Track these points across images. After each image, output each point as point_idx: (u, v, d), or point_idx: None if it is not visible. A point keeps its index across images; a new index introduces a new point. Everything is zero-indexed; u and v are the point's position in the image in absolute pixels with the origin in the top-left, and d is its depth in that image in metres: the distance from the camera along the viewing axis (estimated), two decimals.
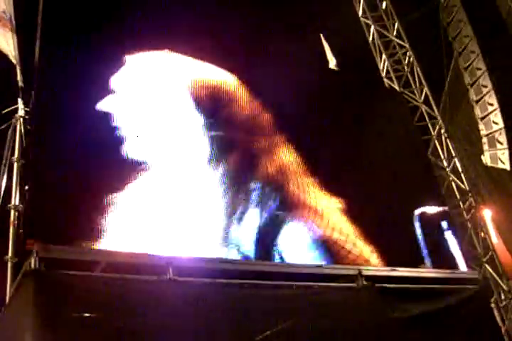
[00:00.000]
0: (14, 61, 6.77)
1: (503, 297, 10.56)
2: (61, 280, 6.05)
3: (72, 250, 6.20)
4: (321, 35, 11.83)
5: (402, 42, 12.95)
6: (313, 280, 7.89)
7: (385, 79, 12.82)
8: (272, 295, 7.52)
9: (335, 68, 11.29)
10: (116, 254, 6.48)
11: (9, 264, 6.11)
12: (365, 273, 8.46)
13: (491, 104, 12.65)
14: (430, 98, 12.51)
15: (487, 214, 12.08)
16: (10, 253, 6.13)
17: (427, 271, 9.55)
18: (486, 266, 10.94)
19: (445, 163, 12.09)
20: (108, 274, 6.40)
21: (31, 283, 5.87)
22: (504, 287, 10.69)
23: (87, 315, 6.80)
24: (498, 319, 10.35)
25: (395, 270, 8.88)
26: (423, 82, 12.59)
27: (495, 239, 11.89)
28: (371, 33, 13.10)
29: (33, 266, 5.81)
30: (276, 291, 7.61)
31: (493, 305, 10.48)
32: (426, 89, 12.52)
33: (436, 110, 12.45)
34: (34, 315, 5.75)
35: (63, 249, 6.12)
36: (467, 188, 11.81)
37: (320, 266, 8.00)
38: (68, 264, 6.19)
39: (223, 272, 7.11)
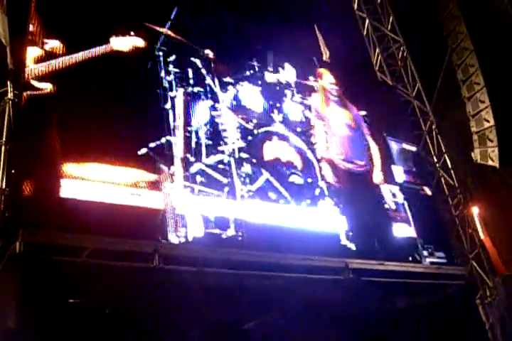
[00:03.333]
0: (4, 42, 6.69)
1: (488, 293, 10.60)
2: (46, 265, 5.99)
3: (58, 235, 6.12)
4: (316, 27, 11.76)
5: (396, 37, 12.93)
6: (300, 272, 7.87)
7: (378, 73, 12.81)
8: (259, 285, 7.50)
9: (328, 61, 11.25)
10: (102, 240, 6.41)
11: None
12: (351, 266, 8.45)
13: (483, 102, 12.65)
14: (422, 93, 12.52)
15: (475, 210, 12.09)
16: None
17: (413, 266, 9.54)
18: (473, 262, 10.97)
19: (435, 159, 12.11)
20: (94, 260, 6.34)
21: (16, 267, 5.81)
22: (489, 283, 10.73)
23: (71, 300, 6.77)
24: (482, 315, 10.39)
25: (382, 264, 8.87)
26: (416, 77, 12.59)
27: (482, 235, 11.92)
28: (365, 27, 13.07)
29: (17, 250, 5.74)
30: (264, 282, 7.60)
31: (478, 301, 10.53)
32: (418, 85, 12.53)
33: (428, 105, 12.46)
34: (18, 299, 5.70)
35: (49, 233, 6.05)
36: (456, 184, 11.84)
37: (307, 258, 7.96)
38: (54, 249, 6.12)
39: (210, 261, 7.07)
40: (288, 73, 9.90)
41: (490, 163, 12.54)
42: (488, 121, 12.47)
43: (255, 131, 8.79)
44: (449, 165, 12.04)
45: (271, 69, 9.77)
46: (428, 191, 11.29)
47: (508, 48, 12.59)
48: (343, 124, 9.63)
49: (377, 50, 12.94)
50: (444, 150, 12.13)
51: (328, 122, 9.45)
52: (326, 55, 11.47)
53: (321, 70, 10.01)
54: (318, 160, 9.33)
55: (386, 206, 9.98)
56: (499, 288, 10.64)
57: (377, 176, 9.89)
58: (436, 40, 13.37)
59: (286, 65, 9.94)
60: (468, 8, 12.83)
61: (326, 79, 9.63)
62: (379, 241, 9.31)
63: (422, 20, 13.36)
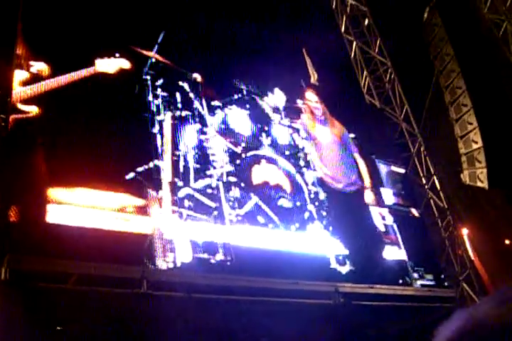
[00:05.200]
0: None
1: None
2: (32, 292, 5.90)
3: (45, 261, 6.03)
4: (304, 50, 11.81)
5: (383, 60, 13.01)
6: (290, 297, 7.80)
7: (366, 96, 12.86)
8: (248, 310, 7.42)
9: (316, 83, 11.28)
10: (89, 266, 6.32)
11: None
12: (341, 290, 8.38)
13: (471, 123, 12.71)
14: (410, 115, 12.56)
15: (464, 232, 12.10)
16: None
17: (403, 289, 9.48)
18: (463, 284, 10.92)
19: (424, 181, 12.11)
20: (81, 286, 6.25)
21: (1, 294, 5.72)
22: None
23: (58, 328, 6.66)
24: None
25: (372, 287, 8.80)
26: (404, 99, 12.64)
27: (472, 257, 11.91)
28: (353, 50, 13.15)
29: (3, 277, 5.65)
30: (253, 307, 7.52)
31: None
32: (406, 107, 12.57)
33: (416, 128, 12.50)
34: (3, 327, 5.59)
35: (35, 260, 5.95)
36: (445, 206, 11.83)
37: (297, 282, 7.89)
38: (40, 276, 6.03)
39: (199, 286, 6.99)
40: (277, 98, 9.92)
41: (479, 184, 12.55)
42: (476, 143, 12.51)
43: (243, 155, 8.76)
44: (438, 187, 12.04)
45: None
46: (417, 213, 11.28)
47: (493, 70, 12.70)
48: (331, 143, 9.62)
49: (364, 73, 13.02)
50: (432, 172, 12.15)
51: (317, 142, 9.42)
52: (314, 78, 11.51)
53: (306, 90, 10.02)
54: (307, 183, 9.31)
55: (376, 228, 9.95)
56: None
57: (369, 196, 9.86)
58: (423, 62, 13.47)
59: (276, 90, 9.97)
60: (455, 31, 12.96)
61: (310, 99, 9.63)
62: (369, 264, 9.25)
63: (409, 42, 13.48)
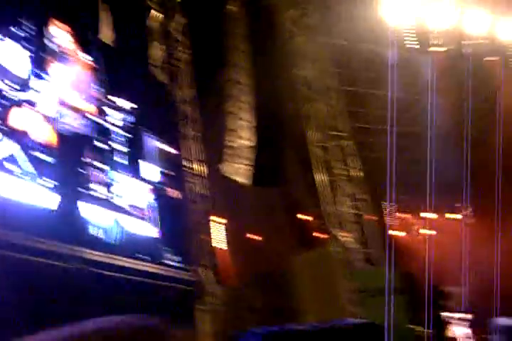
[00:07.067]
0: None
1: (211, 300, 10.78)
2: None
3: None
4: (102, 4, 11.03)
5: (180, 38, 12.75)
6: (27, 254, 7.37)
7: (154, 68, 12.43)
8: None
9: (110, 43, 10.68)
10: None
11: None
12: (82, 255, 8.13)
13: (243, 119, 13.11)
14: (194, 100, 12.50)
15: (216, 219, 12.31)
16: None
17: (146, 265, 9.42)
18: (202, 268, 11.09)
19: (193, 165, 12.13)
20: None
21: None
22: (211, 291, 10.91)
23: None
24: (197, 320, 10.49)
25: (111, 258, 8.62)
26: (191, 82, 12.52)
27: (223, 245, 12.17)
28: (154, 19, 12.65)
29: None
30: None
31: (199, 306, 10.65)
32: (192, 90, 12.47)
33: (196, 112, 12.44)
34: None
35: None
36: (206, 193, 11.96)
37: (40, 241, 7.48)
38: None
39: None
40: (59, 39, 9.14)
41: (236, 177, 12.99)
42: (244, 139, 12.95)
43: (7, 94, 7.97)
44: (203, 174, 12.12)
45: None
46: (180, 195, 11.25)
47: (277, 73, 13.20)
48: (66, 82, 9.00)
49: (158, 45, 12.58)
50: (201, 159, 12.20)
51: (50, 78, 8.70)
52: (106, 35, 10.79)
53: (53, 22, 9.01)
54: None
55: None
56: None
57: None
58: (217, 51, 13.53)
59: (57, 31, 9.19)
60: (253, 28, 13.26)
61: (56, 35, 8.81)
62: (108, 233, 8.99)
63: (209, 29, 13.41)
